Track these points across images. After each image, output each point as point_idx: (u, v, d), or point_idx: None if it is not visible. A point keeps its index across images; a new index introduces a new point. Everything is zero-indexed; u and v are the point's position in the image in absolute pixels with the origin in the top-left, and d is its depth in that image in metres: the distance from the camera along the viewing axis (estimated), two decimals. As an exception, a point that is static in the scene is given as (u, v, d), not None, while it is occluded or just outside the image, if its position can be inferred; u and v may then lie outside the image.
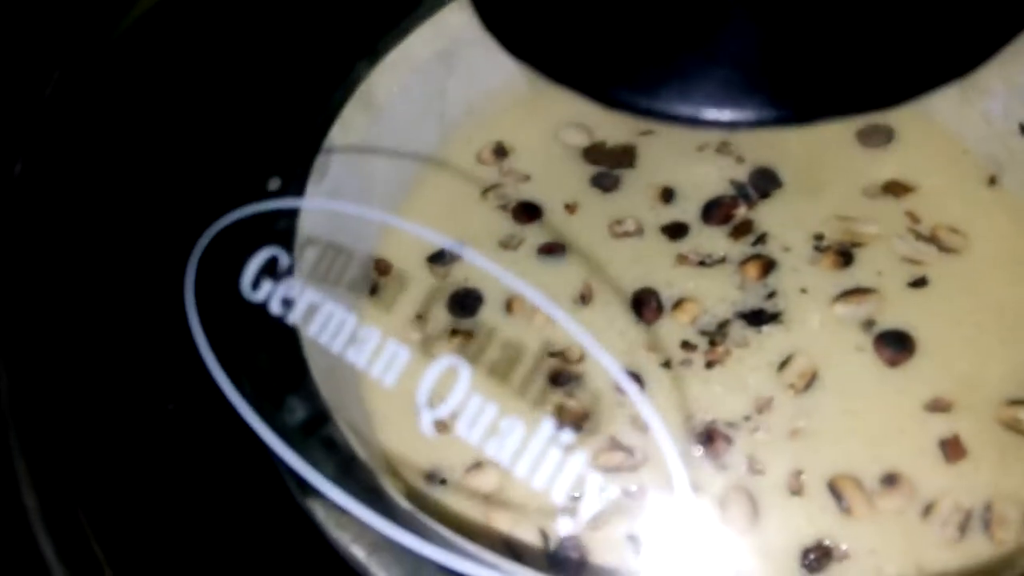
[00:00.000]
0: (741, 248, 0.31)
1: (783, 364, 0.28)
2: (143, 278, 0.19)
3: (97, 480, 0.19)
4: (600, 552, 0.26)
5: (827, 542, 0.25)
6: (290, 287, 0.17)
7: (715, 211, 0.32)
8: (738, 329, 0.30)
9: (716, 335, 0.30)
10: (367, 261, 0.30)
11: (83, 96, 0.22)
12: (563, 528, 0.17)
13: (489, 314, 0.31)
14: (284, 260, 0.17)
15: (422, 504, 0.24)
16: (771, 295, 0.30)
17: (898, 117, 0.33)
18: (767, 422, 0.27)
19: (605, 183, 0.34)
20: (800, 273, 0.30)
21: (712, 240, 0.32)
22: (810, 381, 0.28)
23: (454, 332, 0.31)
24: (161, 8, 0.23)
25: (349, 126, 0.30)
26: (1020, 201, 0.31)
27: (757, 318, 0.30)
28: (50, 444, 0.18)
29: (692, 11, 0.17)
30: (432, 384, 0.17)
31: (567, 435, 0.17)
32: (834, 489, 0.26)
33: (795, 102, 0.17)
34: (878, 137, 0.33)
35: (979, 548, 0.25)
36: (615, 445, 0.27)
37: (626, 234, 0.33)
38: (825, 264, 0.30)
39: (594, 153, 0.35)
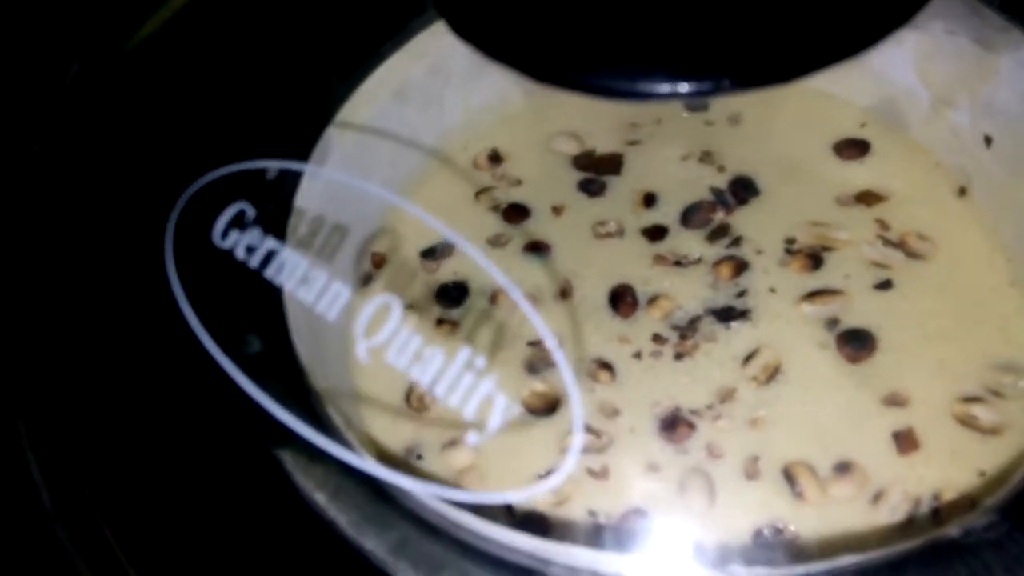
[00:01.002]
0: (716, 250, 0.33)
1: (748, 358, 0.30)
2: (128, 232, 0.21)
3: (70, 419, 0.21)
4: (559, 523, 0.27)
5: (779, 524, 0.26)
6: (253, 236, 0.19)
7: (694, 215, 0.34)
8: (708, 324, 0.31)
9: (686, 329, 0.31)
10: (361, 245, 0.32)
11: (98, 86, 0.24)
12: (471, 439, 0.18)
13: (474, 306, 0.33)
14: (250, 213, 0.19)
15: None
16: (741, 294, 0.32)
17: (874, 131, 0.35)
18: (729, 411, 0.29)
19: (592, 188, 0.36)
20: (770, 274, 0.32)
21: (689, 242, 0.33)
22: (772, 374, 0.29)
23: (440, 322, 0.33)
24: (177, 18, 0.26)
25: (351, 118, 0.32)
26: (987, 211, 0.32)
27: (726, 315, 0.31)
28: (30, 383, 0.20)
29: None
30: (369, 318, 0.19)
31: (480, 361, 0.18)
32: (788, 475, 0.27)
33: (714, 75, 0.19)
34: (854, 150, 0.35)
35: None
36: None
37: (608, 235, 0.34)
38: (795, 266, 0.32)
39: (583, 160, 0.37)
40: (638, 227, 0.35)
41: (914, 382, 0.28)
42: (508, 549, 0.20)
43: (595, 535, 0.27)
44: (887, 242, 0.32)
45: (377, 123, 0.33)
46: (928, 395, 0.28)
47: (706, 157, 0.36)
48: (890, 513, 0.26)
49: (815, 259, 0.32)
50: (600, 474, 0.28)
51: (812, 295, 0.31)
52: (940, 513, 0.26)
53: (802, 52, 0.20)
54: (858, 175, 0.34)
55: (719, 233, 0.34)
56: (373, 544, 0.21)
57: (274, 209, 0.21)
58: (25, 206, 0.23)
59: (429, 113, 0.35)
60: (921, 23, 0.32)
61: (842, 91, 0.36)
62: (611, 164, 0.37)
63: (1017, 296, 0.30)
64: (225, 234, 0.18)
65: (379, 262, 0.35)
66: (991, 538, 0.19)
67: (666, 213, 0.35)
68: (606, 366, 0.31)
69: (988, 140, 0.31)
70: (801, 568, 0.19)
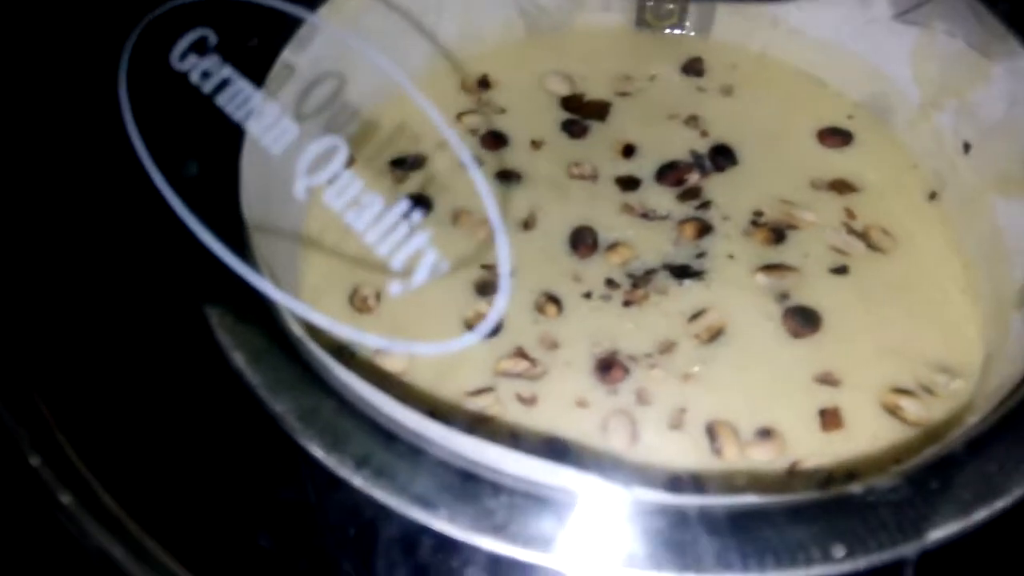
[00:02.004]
0: (684, 210, 0.33)
1: (695, 316, 0.30)
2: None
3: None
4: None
5: (692, 475, 0.27)
6: (211, 63, 0.18)
7: (669, 173, 0.34)
8: (662, 278, 0.31)
9: (640, 280, 0.31)
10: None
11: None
12: (394, 290, 0.18)
13: (435, 218, 0.33)
14: (212, 39, 0.19)
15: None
16: (700, 255, 0.32)
17: (860, 124, 0.35)
18: (666, 362, 0.29)
19: (574, 130, 0.36)
20: (732, 241, 0.32)
21: (660, 198, 0.33)
22: (715, 335, 0.29)
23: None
24: None
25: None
26: (954, 217, 0.32)
27: (682, 272, 0.31)
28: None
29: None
30: (314, 157, 0.18)
31: (417, 215, 0.18)
32: (711, 431, 0.27)
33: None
34: (837, 139, 0.35)
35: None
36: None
37: (581, 176, 0.34)
38: (758, 238, 0.32)
39: (571, 102, 0.37)
40: (613, 175, 0.34)
41: (849, 365, 0.29)
42: (417, 436, 0.20)
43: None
44: (851, 230, 0.32)
45: (369, 22, 0.33)
46: (861, 380, 0.28)
47: (692, 121, 0.36)
48: (804, 481, 0.26)
49: (778, 234, 0.32)
50: (528, 401, 0.28)
51: (768, 267, 0.31)
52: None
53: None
54: (836, 163, 0.34)
55: (690, 194, 0.34)
56: (283, 408, 0.20)
57: (239, 41, 0.20)
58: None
59: (425, 22, 0.35)
60: (923, 21, 0.32)
61: (836, 81, 0.36)
62: (598, 110, 0.37)
63: (966, 303, 0.30)
64: (183, 57, 0.18)
65: (348, 163, 0.35)
66: (892, 499, 0.19)
67: (642, 166, 0.35)
68: (554, 300, 0.30)
69: (967, 146, 0.31)
70: (698, 499, 0.19)
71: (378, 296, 0.30)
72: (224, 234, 0.17)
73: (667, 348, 0.29)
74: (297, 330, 0.21)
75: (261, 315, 0.21)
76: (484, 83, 0.38)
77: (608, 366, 0.29)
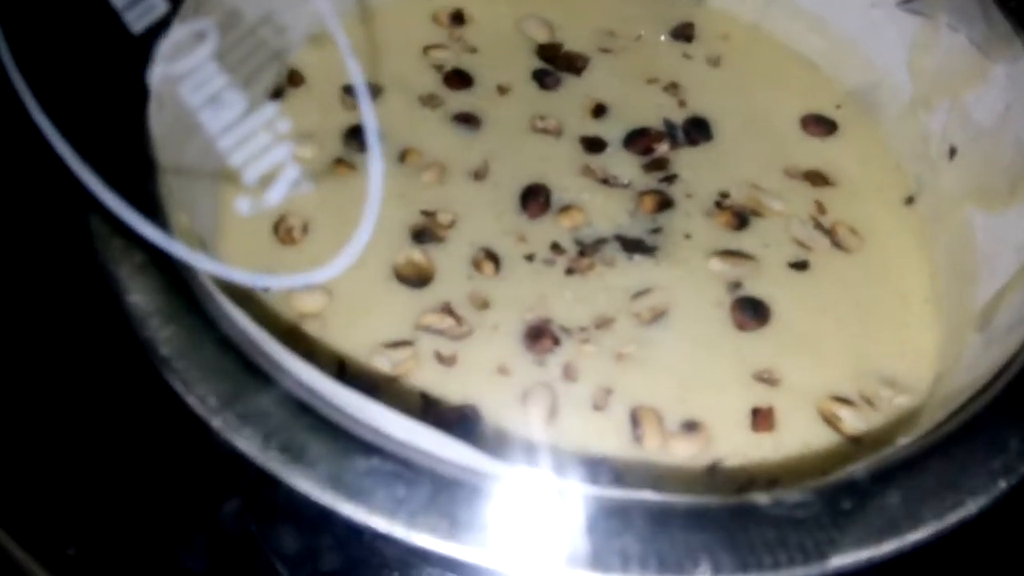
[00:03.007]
0: (647, 180, 0.31)
1: (639, 294, 0.28)
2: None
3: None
4: (388, 396, 0.25)
5: (607, 460, 0.25)
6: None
7: (638, 140, 0.32)
8: (611, 250, 0.29)
9: (588, 248, 0.29)
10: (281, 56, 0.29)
11: None
12: (243, 208, 0.16)
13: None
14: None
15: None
16: (656, 230, 0.30)
17: (846, 115, 0.33)
18: (600, 339, 0.27)
19: (546, 81, 0.33)
20: (692, 220, 0.30)
21: (624, 165, 0.31)
22: (657, 316, 0.28)
23: (339, 161, 0.30)
24: None
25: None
26: (927, 224, 0.30)
27: (634, 246, 0.29)
28: None
29: None
30: (177, 43, 0.16)
31: (284, 124, 0.16)
32: (635, 417, 0.26)
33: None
34: (821, 128, 0.33)
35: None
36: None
37: (544, 131, 0.32)
38: (719, 221, 0.30)
39: (548, 51, 0.34)
40: (578, 134, 0.32)
41: (791, 366, 0.27)
42: (296, 383, 0.18)
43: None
44: (818, 225, 0.30)
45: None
46: (801, 382, 0.27)
47: (672, 88, 0.34)
48: (722, 483, 0.25)
49: (741, 219, 0.30)
50: (448, 360, 0.26)
51: (725, 253, 0.29)
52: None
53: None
54: (815, 153, 0.32)
55: (657, 165, 0.31)
56: (157, 336, 0.18)
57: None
58: None
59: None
60: (929, 11, 0.30)
61: (829, 66, 0.34)
62: (574, 63, 0.34)
63: (927, 313, 0.29)
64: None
65: (297, 80, 0.32)
66: (798, 515, 0.17)
67: (611, 129, 0.32)
68: (493, 258, 0.28)
69: (953, 151, 0.29)
70: (595, 489, 0.17)
71: (305, 228, 0.28)
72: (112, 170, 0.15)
73: (604, 324, 0.27)
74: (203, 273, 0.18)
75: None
76: (458, 18, 0.35)
77: (538, 335, 0.27)
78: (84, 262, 0.19)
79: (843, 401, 0.27)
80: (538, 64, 0.34)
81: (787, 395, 0.27)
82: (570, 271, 0.29)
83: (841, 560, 0.17)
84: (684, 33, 0.35)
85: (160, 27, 0.15)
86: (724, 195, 0.31)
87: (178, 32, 0.15)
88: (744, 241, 0.30)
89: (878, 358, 0.28)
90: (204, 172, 0.23)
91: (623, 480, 0.24)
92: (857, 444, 0.26)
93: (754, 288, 0.29)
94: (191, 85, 0.14)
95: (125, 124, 0.19)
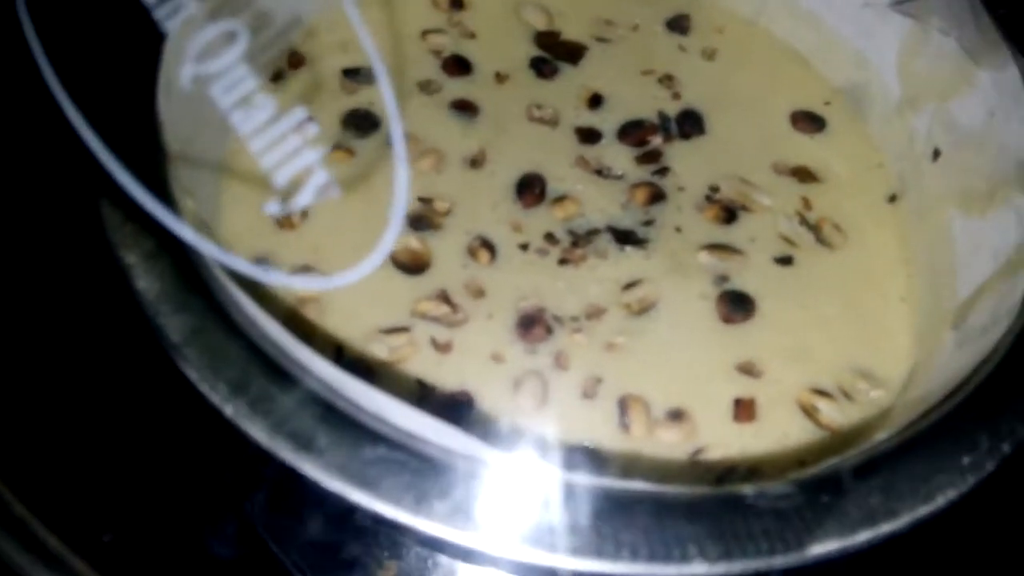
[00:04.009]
0: (640, 173, 0.32)
1: (629, 285, 0.29)
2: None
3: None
4: (384, 382, 0.26)
5: (596, 446, 0.26)
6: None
7: (632, 132, 0.32)
8: (603, 241, 0.30)
9: (581, 239, 0.30)
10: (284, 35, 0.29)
11: None
12: (272, 209, 0.16)
13: (378, 137, 0.31)
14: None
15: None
16: (648, 223, 0.30)
17: (835, 112, 0.34)
18: (591, 328, 0.28)
19: (543, 69, 0.34)
20: (683, 213, 0.31)
21: (618, 156, 0.32)
22: (646, 308, 0.28)
23: (337, 147, 0.31)
24: None
25: None
26: (909, 223, 0.31)
27: (625, 237, 0.30)
28: None
29: None
30: (208, 41, 0.16)
31: (313, 128, 0.16)
32: (623, 405, 0.27)
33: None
34: (810, 124, 0.33)
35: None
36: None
37: (541, 120, 0.32)
38: (709, 214, 0.31)
39: (546, 39, 0.35)
40: (574, 124, 0.33)
41: (773, 359, 0.28)
42: (304, 372, 0.19)
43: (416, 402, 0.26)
44: (803, 221, 0.31)
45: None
46: (782, 375, 0.28)
47: (667, 80, 0.34)
48: (704, 471, 0.26)
49: (730, 214, 0.31)
50: (443, 347, 0.27)
51: (713, 247, 0.30)
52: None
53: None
54: (803, 149, 0.33)
55: (650, 157, 0.32)
56: (167, 323, 0.19)
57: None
58: None
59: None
60: (920, 14, 0.30)
61: (821, 63, 0.35)
62: (572, 52, 0.35)
63: (904, 312, 0.30)
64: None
65: (296, 62, 0.32)
66: (780, 507, 0.18)
67: (606, 119, 0.33)
68: (489, 246, 0.29)
69: (936, 153, 0.30)
70: (584, 478, 0.18)
71: (304, 213, 0.28)
72: (125, 151, 0.15)
73: (595, 314, 0.28)
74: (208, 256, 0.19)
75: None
76: (458, 2, 0.35)
77: (531, 323, 0.28)
78: (95, 249, 0.20)
79: (822, 393, 0.28)
80: (536, 52, 0.34)
81: (768, 386, 0.28)
82: (563, 261, 0.29)
83: (819, 549, 0.18)
84: (680, 25, 0.36)
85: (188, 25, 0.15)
86: (714, 189, 0.31)
87: (209, 32, 0.15)
88: (732, 235, 0.30)
89: (857, 352, 0.29)
90: (208, 158, 0.23)
91: (609, 466, 0.25)
92: (833, 435, 0.27)
93: (740, 282, 0.29)
94: (222, 86, 0.15)
95: (137, 111, 0.20)
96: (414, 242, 0.29)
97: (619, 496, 0.19)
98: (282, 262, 0.28)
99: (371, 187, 0.30)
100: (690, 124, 0.33)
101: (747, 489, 0.18)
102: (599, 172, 0.31)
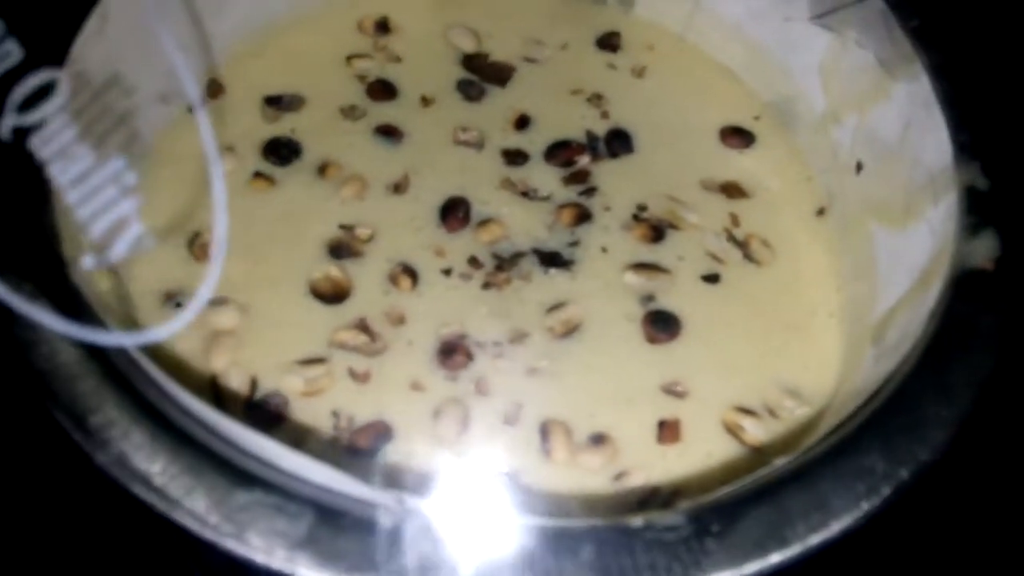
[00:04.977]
0: (567, 193, 0.31)
1: (553, 307, 0.29)
2: None
3: None
4: (300, 414, 0.26)
5: (516, 474, 0.26)
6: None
7: (559, 152, 0.32)
8: (528, 264, 0.29)
9: (506, 262, 0.29)
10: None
11: None
12: (87, 264, 0.16)
13: (301, 164, 0.31)
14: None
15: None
16: (573, 243, 0.30)
17: (765, 127, 0.34)
18: (513, 353, 0.28)
19: (470, 92, 0.34)
20: (609, 233, 0.30)
21: (545, 177, 0.32)
22: (570, 330, 0.28)
23: (258, 174, 0.30)
24: None
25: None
26: (836, 237, 0.31)
27: (550, 260, 0.30)
28: None
29: None
30: (28, 90, 0.16)
31: (130, 177, 0.16)
32: (544, 431, 0.26)
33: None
34: (738, 139, 0.33)
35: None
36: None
37: (466, 143, 0.32)
38: (636, 233, 0.30)
39: (473, 61, 0.35)
40: (500, 146, 0.32)
41: (699, 378, 0.28)
42: (183, 415, 0.18)
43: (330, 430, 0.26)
44: (731, 238, 0.31)
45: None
46: (707, 394, 0.28)
47: (595, 99, 0.34)
48: (627, 495, 0.26)
49: (658, 232, 0.31)
50: (360, 377, 0.27)
51: (640, 266, 0.30)
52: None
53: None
54: (732, 165, 0.33)
55: (577, 178, 0.32)
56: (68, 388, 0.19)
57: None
58: None
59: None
60: (838, 27, 0.30)
61: (750, 78, 0.35)
62: (500, 74, 0.35)
63: (832, 326, 0.29)
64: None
65: (216, 91, 0.32)
66: (666, 539, 0.18)
67: (533, 141, 0.33)
68: (411, 273, 0.29)
69: (859, 166, 0.30)
70: (470, 514, 0.18)
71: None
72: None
73: (518, 338, 0.28)
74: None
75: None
76: (383, 26, 0.35)
77: (451, 350, 0.27)
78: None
79: (747, 412, 0.27)
80: (463, 74, 0.34)
81: (693, 406, 0.27)
82: (487, 285, 0.29)
83: (707, 582, 0.18)
84: (610, 43, 0.36)
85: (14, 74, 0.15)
86: (642, 208, 0.31)
87: (30, 81, 0.15)
88: (659, 254, 0.30)
89: (784, 370, 0.28)
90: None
91: (529, 494, 0.25)
92: (758, 453, 0.27)
93: (666, 301, 0.29)
94: (42, 138, 0.14)
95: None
96: (334, 270, 0.29)
97: (504, 530, 0.18)
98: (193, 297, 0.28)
99: (290, 215, 0.30)
100: (618, 143, 0.33)
101: (636, 521, 0.18)
102: (525, 194, 0.31)
